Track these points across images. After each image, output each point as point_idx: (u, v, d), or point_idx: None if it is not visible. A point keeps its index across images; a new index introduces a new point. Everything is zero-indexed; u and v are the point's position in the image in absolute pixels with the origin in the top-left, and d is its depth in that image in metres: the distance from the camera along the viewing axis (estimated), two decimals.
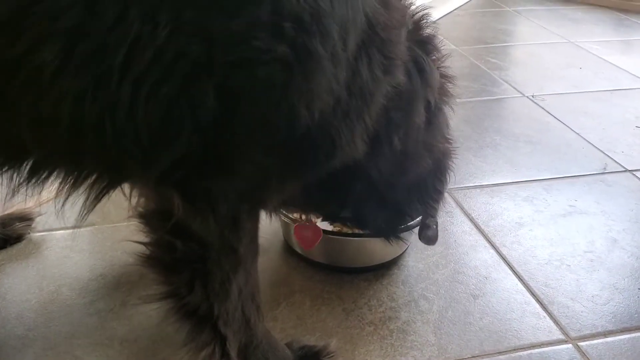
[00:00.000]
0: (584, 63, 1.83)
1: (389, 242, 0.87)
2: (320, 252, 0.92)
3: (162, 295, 0.62)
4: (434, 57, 0.75)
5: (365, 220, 0.82)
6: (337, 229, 0.91)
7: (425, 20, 0.73)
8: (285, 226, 0.95)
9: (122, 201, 0.67)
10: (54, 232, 0.98)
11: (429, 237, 0.83)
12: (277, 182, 0.61)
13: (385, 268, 0.94)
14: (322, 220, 0.90)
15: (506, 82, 1.68)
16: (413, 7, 0.73)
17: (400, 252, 0.96)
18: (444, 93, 0.78)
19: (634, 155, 1.30)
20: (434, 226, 0.84)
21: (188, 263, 0.60)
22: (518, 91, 1.62)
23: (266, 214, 0.77)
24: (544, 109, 1.52)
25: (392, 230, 0.85)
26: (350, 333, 0.81)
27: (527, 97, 1.58)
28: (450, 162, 0.82)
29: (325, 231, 0.89)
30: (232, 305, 0.63)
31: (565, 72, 1.77)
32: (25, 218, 0.97)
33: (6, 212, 0.96)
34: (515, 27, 2.23)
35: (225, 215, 0.59)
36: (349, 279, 0.91)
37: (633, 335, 0.83)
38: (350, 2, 0.55)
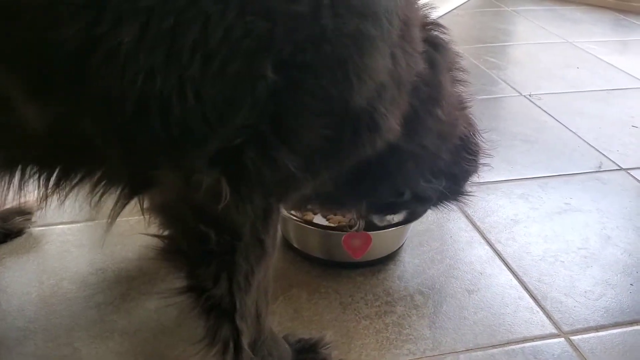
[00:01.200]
0: (581, 63, 1.85)
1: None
2: (318, 247, 0.93)
3: (184, 289, 0.63)
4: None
5: (425, 197, 0.83)
6: (334, 224, 0.92)
7: (431, 19, 0.75)
8: (284, 221, 0.97)
9: None
10: (54, 227, 1.00)
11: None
12: (321, 161, 0.62)
13: (382, 263, 0.95)
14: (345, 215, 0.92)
15: (504, 81, 1.69)
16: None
17: (397, 248, 0.97)
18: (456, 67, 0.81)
19: (629, 154, 1.31)
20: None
21: (218, 255, 0.61)
22: (516, 90, 1.63)
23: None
24: (541, 108, 1.53)
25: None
26: (346, 326, 0.83)
27: (525, 96, 1.60)
28: (477, 148, 0.85)
29: (323, 226, 0.90)
30: (251, 299, 0.64)
31: (562, 71, 1.78)
32: (25, 212, 0.98)
33: (6, 207, 0.98)
34: (514, 26, 2.24)
35: (259, 205, 0.60)
36: (346, 273, 0.92)
37: (624, 329, 0.84)
38: None
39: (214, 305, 0.63)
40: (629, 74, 1.77)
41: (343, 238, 0.89)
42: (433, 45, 0.72)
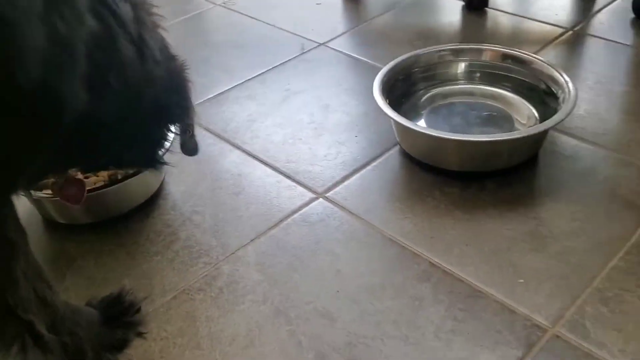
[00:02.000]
0: None
1: (156, 170, 0.89)
2: (84, 213, 0.93)
3: None
4: None
5: (123, 161, 0.84)
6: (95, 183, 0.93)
7: None
8: (38, 203, 0.94)
9: None
10: None
11: (190, 148, 0.87)
12: (21, 152, 0.60)
13: (152, 203, 0.99)
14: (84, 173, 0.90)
15: None
16: None
17: (159, 184, 1.01)
18: (145, 20, 0.81)
19: (322, 29, 1.49)
20: (193, 137, 0.88)
21: None
22: (210, 2, 1.69)
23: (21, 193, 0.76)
24: (239, 12, 1.63)
25: (153, 159, 0.88)
26: (141, 270, 0.87)
27: (220, 5, 1.67)
28: (185, 76, 0.86)
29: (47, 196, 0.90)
30: (24, 290, 0.64)
31: None
32: None
33: None
34: None
35: None
36: (123, 224, 0.95)
37: (359, 173, 1.02)
38: None
39: None
40: None
41: (57, 190, 0.87)
42: (104, 5, 0.71)
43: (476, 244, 0.87)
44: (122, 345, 0.76)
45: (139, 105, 0.79)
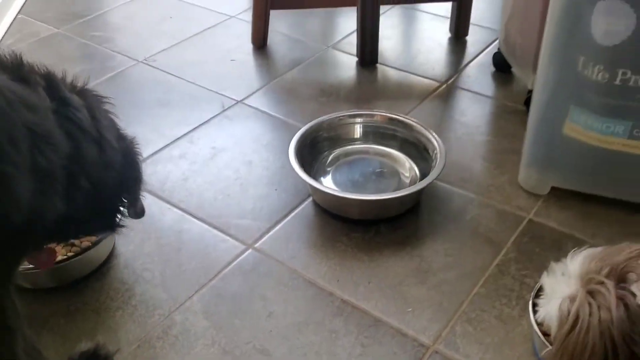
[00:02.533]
0: (172, 12, 2.13)
1: (116, 232, 1.06)
2: (49, 279, 1.10)
3: None
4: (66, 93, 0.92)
5: (89, 230, 1.02)
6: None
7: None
8: None
9: None
10: None
11: (137, 212, 1.03)
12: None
13: (107, 263, 1.17)
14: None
15: (118, 52, 1.89)
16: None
17: (110, 249, 1.19)
18: (99, 114, 0.97)
19: (238, 86, 1.70)
20: (140, 202, 1.06)
21: None
22: (132, 59, 1.85)
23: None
24: (159, 69, 1.80)
25: (113, 225, 1.05)
26: (107, 326, 1.05)
27: (142, 62, 1.84)
28: (136, 151, 1.01)
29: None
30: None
31: (161, 26, 2.04)
32: None
33: None
34: None
35: None
36: (84, 284, 1.12)
37: (281, 224, 1.25)
38: (5, 115, 0.72)
39: None
40: (212, 10, 2.13)
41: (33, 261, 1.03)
42: (67, 121, 0.87)
43: (376, 280, 1.13)
44: None
45: (103, 190, 0.97)
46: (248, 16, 2.05)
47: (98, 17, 2.13)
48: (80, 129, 0.89)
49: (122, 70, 1.80)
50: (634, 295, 0.72)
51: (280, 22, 1.99)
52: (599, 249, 0.84)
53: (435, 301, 1.09)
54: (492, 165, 1.40)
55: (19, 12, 2.16)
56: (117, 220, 1.05)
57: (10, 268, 0.79)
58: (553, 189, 1.30)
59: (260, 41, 1.89)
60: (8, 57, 0.83)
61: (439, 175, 1.24)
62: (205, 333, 1.04)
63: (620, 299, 0.73)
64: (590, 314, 0.74)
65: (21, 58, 0.84)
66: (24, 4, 2.23)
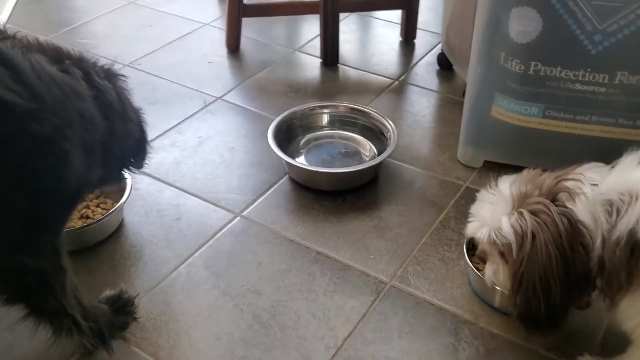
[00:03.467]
0: (151, 20, 2.35)
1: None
2: (71, 244, 1.31)
3: (29, 314, 1.00)
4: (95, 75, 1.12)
5: (110, 182, 1.29)
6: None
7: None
8: None
9: None
10: None
11: (142, 165, 1.26)
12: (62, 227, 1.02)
13: (117, 232, 1.39)
14: None
15: (105, 57, 2.08)
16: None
17: (119, 220, 1.41)
18: (122, 95, 1.16)
19: (217, 85, 1.93)
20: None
21: (41, 288, 0.98)
22: (119, 63, 2.06)
23: None
24: (145, 71, 2.02)
25: (122, 177, 1.32)
26: (124, 279, 1.27)
27: (127, 65, 2.05)
28: (144, 122, 1.23)
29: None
30: (69, 296, 1.03)
31: (142, 33, 2.26)
32: None
33: None
34: (78, 1, 2.57)
35: (51, 251, 0.98)
36: (100, 249, 1.34)
37: (263, 197, 1.49)
38: (64, 104, 0.94)
39: (51, 312, 1.02)
40: (186, 18, 2.36)
41: None
42: (110, 79, 1.11)
43: (344, 236, 1.38)
44: (124, 326, 1.17)
45: (126, 154, 1.20)
46: (220, 23, 2.29)
47: (82, 25, 2.33)
48: (112, 109, 1.10)
49: None
50: (566, 216, 0.90)
51: (250, 28, 2.24)
52: (524, 173, 1.03)
53: (391, 250, 1.35)
54: (436, 146, 1.68)
55: (6, 23, 2.34)
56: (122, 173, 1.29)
57: (64, 221, 1.02)
58: (485, 162, 1.58)
59: (233, 45, 2.13)
60: (43, 42, 1.01)
61: (392, 152, 1.50)
62: (206, 280, 1.27)
63: (562, 215, 0.90)
64: (541, 230, 0.90)
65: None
66: (10, 15, 2.42)
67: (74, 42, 2.18)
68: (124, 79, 1.18)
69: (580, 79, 1.37)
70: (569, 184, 0.96)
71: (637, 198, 0.86)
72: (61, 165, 0.90)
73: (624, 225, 0.85)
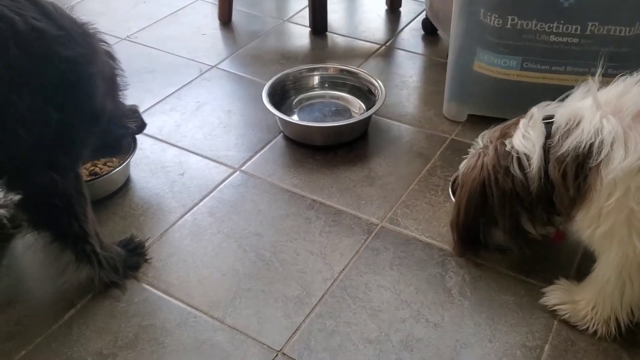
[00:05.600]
0: None
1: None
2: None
3: (54, 237, 1.11)
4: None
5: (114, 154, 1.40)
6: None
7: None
8: None
9: None
10: None
11: (141, 128, 1.40)
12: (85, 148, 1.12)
13: (125, 187, 1.48)
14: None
15: (103, 32, 2.16)
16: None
17: (126, 176, 1.50)
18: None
19: (211, 55, 2.01)
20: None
21: (65, 211, 1.09)
22: (116, 37, 2.14)
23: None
24: (142, 44, 2.10)
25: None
26: (134, 227, 1.36)
27: (125, 39, 2.13)
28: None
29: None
30: (90, 225, 1.13)
31: (136, 9, 2.33)
32: None
33: None
34: None
35: (73, 176, 1.08)
36: (109, 201, 1.43)
37: (259, 153, 1.58)
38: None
39: (74, 237, 1.12)
40: None
41: None
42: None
43: (337, 185, 1.48)
44: (137, 266, 1.26)
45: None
46: None
47: (78, 4, 2.40)
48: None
49: (110, 46, 2.09)
50: (504, 144, 1.09)
51: (242, 1, 2.31)
52: (502, 123, 1.18)
53: (381, 196, 1.45)
54: (422, 104, 1.78)
55: None
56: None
57: (87, 142, 1.13)
58: (469, 116, 1.68)
59: (225, 18, 2.21)
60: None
61: (381, 106, 1.60)
62: (211, 226, 1.37)
63: (495, 146, 1.10)
64: (477, 159, 1.12)
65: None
66: None
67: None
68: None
69: (554, 31, 1.46)
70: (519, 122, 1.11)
71: (579, 122, 0.97)
72: (87, 85, 1.04)
73: (568, 144, 0.96)
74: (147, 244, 1.30)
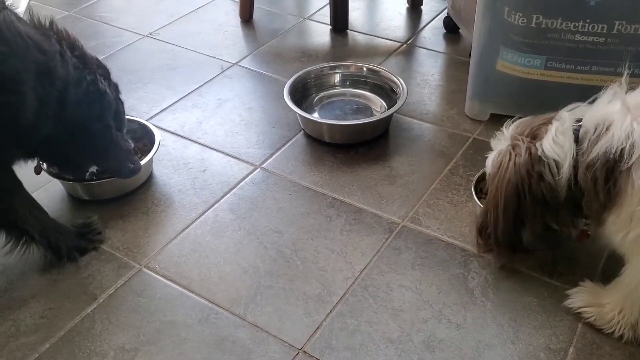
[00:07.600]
0: None
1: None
2: (106, 192, 1.41)
3: None
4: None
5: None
6: None
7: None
8: (71, 186, 1.41)
9: None
10: None
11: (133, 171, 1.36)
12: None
13: (147, 183, 1.49)
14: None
15: (125, 29, 2.19)
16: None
17: (149, 173, 1.50)
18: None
19: (232, 52, 2.02)
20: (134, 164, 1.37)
21: None
22: (138, 34, 2.16)
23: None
24: (164, 41, 2.11)
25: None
26: (156, 222, 1.37)
27: (147, 36, 2.15)
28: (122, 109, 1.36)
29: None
30: (22, 213, 1.17)
31: (158, 6, 2.35)
32: None
33: None
34: None
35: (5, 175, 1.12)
36: (132, 197, 1.44)
37: (280, 150, 1.59)
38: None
39: (6, 224, 1.16)
40: None
41: None
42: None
43: (357, 184, 1.47)
44: (83, 250, 1.28)
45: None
46: None
47: (101, 1, 2.42)
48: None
49: (132, 43, 2.11)
50: (536, 147, 1.07)
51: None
52: (527, 118, 1.16)
53: (402, 195, 1.44)
54: (444, 102, 1.76)
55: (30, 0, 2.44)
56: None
57: (10, 154, 1.15)
58: (492, 115, 1.66)
59: (247, 15, 2.21)
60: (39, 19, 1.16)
61: (402, 104, 1.59)
62: (232, 222, 1.37)
63: (528, 148, 1.08)
64: (509, 159, 1.09)
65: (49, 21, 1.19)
66: None
67: (94, 16, 2.28)
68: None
69: (580, 30, 1.44)
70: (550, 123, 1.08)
71: (609, 127, 0.95)
72: (17, 103, 1.05)
73: (598, 149, 0.95)
74: (102, 231, 1.34)
